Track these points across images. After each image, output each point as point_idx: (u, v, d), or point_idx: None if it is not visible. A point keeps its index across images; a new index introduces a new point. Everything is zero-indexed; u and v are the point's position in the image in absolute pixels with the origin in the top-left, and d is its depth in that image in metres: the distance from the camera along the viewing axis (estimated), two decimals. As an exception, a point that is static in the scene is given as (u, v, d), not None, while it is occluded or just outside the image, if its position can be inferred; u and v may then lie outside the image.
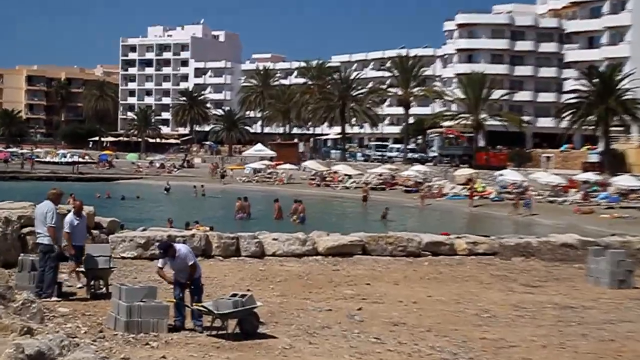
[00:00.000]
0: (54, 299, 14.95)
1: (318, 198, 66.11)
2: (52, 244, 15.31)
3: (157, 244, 18.50)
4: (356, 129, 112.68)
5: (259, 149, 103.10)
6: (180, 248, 13.87)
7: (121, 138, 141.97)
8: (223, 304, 13.13)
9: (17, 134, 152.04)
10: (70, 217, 16.53)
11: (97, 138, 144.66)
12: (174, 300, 13.73)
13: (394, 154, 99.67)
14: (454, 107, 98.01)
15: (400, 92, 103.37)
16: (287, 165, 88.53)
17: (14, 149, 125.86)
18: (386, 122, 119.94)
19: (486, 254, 24.33)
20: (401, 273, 20.90)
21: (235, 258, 22.07)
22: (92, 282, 16.08)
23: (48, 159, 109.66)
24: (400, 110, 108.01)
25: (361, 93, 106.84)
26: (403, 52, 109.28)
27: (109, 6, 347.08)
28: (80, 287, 16.50)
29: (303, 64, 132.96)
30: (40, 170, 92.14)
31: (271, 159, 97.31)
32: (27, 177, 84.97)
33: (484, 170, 73.29)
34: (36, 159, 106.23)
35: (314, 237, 24.09)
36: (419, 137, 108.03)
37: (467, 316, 15.73)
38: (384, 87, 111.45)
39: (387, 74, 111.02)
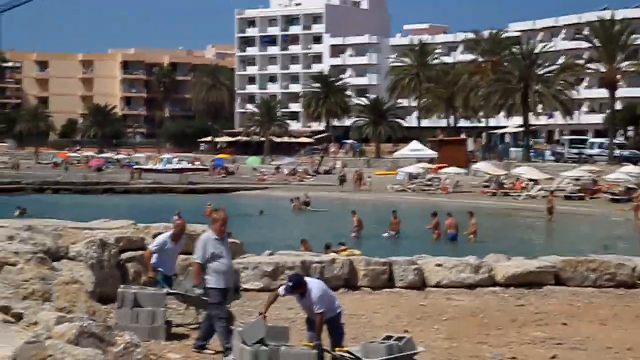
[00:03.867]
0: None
1: (494, 211, 65.01)
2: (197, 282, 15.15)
3: (287, 272, 18.71)
4: (543, 120, 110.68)
5: (415, 148, 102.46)
6: (312, 288, 13.85)
7: (239, 138, 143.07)
8: (374, 350, 13.12)
9: (113, 135, 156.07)
10: (164, 238, 17.10)
11: (209, 138, 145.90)
12: (310, 344, 13.85)
13: (596, 151, 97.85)
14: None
15: (603, 69, 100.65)
16: (453, 169, 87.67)
17: (109, 155, 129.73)
18: (584, 109, 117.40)
19: None
20: (609, 309, 20.30)
21: (388, 290, 22.05)
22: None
23: (150, 165, 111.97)
24: (603, 92, 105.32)
25: (550, 71, 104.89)
26: (606, 14, 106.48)
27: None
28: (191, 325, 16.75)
29: (471, 36, 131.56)
30: (142, 181, 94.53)
31: (431, 160, 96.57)
32: (125, 189, 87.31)
33: None
34: (135, 167, 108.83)
35: (490, 262, 23.73)
36: (630, 128, 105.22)
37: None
38: (581, 62, 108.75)
39: (584, 44, 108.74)
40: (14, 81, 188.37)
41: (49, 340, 10.17)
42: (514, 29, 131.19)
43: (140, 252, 21.38)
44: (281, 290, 14.09)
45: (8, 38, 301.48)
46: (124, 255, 20.94)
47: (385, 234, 45.00)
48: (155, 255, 17.01)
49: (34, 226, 22.24)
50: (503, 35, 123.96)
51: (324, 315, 13.74)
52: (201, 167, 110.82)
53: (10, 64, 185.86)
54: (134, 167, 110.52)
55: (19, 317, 12.18)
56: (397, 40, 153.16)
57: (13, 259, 17.20)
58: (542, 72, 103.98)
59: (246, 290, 21.56)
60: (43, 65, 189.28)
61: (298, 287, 13.64)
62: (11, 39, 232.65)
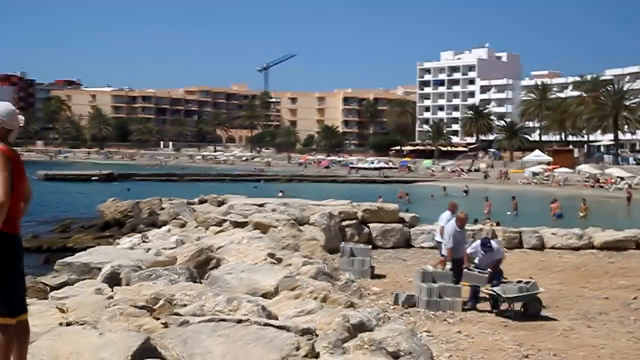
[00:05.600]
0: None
1: (592, 198, 62.77)
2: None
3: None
4: (628, 136, 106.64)
5: (537, 154, 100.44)
6: (494, 244, 14.21)
7: (418, 147, 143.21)
8: (510, 289, 13.00)
9: (336, 144, 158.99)
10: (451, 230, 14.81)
11: (398, 147, 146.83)
12: (468, 284, 13.80)
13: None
14: None
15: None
16: (563, 169, 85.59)
17: (334, 157, 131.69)
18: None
19: None
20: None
21: (518, 250, 21.78)
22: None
23: (360, 165, 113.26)
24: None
25: (634, 103, 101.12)
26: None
27: (406, 37, 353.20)
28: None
29: (578, 79, 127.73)
30: (354, 175, 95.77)
31: (548, 163, 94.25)
32: (344, 180, 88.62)
33: None
34: (350, 165, 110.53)
35: (589, 232, 23.29)
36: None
37: None
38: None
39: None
40: (275, 110, 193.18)
41: (298, 276, 10.50)
42: (609, 73, 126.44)
43: (353, 221, 21.80)
44: (470, 249, 14.16)
45: (273, 82, 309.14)
46: (344, 223, 21.31)
47: (508, 213, 43.88)
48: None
49: (288, 203, 22.91)
50: (601, 78, 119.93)
51: (501, 261, 14.07)
52: (392, 166, 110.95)
53: (273, 99, 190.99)
54: (350, 165, 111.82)
55: (279, 260, 12.56)
56: (526, 82, 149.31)
57: (275, 223, 17.78)
58: (628, 103, 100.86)
59: (422, 247, 21.64)
60: (293, 100, 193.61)
61: (489, 245, 13.83)
62: (274, 83, 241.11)
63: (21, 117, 5.68)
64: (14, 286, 5.38)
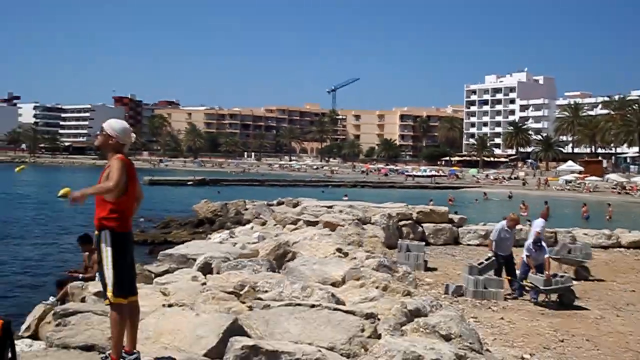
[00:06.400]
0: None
1: (618, 203, 60.83)
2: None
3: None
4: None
5: (569, 165, 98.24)
6: (544, 245, 13.75)
7: (465, 157, 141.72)
8: (547, 282, 12.70)
9: (393, 155, 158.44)
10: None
11: (447, 158, 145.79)
12: (509, 278, 13.57)
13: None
14: None
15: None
16: (593, 177, 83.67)
17: (391, 166, 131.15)
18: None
19: None
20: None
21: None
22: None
23: (413, 173, 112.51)
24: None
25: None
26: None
27: (454, 62, 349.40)
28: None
29: (606, 98, 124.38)
30: (409, 182, 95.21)
31: (580, 172, 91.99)
32: (400, 186, 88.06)
33: None
34: (406, 173, 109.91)
35: (617, 233, 22.58)
36: None
37: None
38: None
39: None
40: (342, 126, 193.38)
41: (362, 268, 10.45)
42: (634, 93, 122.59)
43: (409, 221, 21.61)
44: (527, 251, 13.72)
45: (340, 102, 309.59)
46: (401, 223, 21.15)
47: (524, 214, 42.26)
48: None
49: (353, 205, 22.84)
50: (627, 98, 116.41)
51: (548, 259, 13.58)
52: (442, 174, 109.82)
53: (340, 116, 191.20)
54: (405, 173, 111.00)
55: (346, 254, 12.53)
56: (560, 101, 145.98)
57: (342, 222, 17.74)
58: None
59: (468, 245, 21.31)
60: (357, 117, 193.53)
61: (540, 244, 13.52)
62: (341, 102, 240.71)
63: (133, 135, 5.83)
64: (126, 273, 5.51)
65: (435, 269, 16.31)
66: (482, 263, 13.92)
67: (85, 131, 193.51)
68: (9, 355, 5.73)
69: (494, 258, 13.92)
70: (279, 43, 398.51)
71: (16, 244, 25.12)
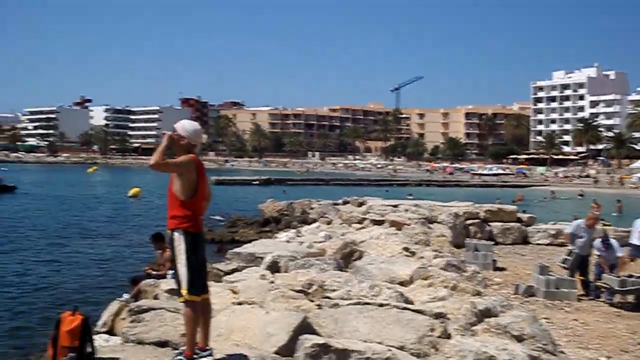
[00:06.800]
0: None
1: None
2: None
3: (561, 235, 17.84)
4: None
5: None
6: (613, 243, 13.31)
7: (532, 155, 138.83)
8: (622, 282, 12.29)
9: (458, 154, 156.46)
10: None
11: (514, 156, 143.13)
12: (582, 278, 13.21)
13: None
14: None
15: None
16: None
17: (456, 165, 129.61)
18: None
19: None
20: None
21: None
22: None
23: (479, 171, 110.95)
24: None
25: None
26: None
27: (520, 59, 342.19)
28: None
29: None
30: (475, 180, 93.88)
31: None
32: (466, 184, 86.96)
33: None
34: (472, 172, 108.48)
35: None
36: None
37: None
38: None
39: None
40: (405, 125, 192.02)
41: (430, 267, 10.36)
42: None
43: (476, 220, 21.28)
44: (596, 249, 13.40)
45: (404, 100, 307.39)
46: (468, 222, 20.86)
47: (613, 214, 41.12)
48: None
49: (419, 204, 22.66)
50: None
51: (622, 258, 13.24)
52: (509, 172, 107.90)
53: (404, 115, 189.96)
54: (471, 172, 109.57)
55: (413, 253, 12.45)
56: (633, 97, 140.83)
57: (408, 222, 17.63)
58: None
59: (538, 244, 20.84)
60: (421, 115, 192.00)
61: (608, 242, 13.17)
62: (405, 101, 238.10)
63: (204, 136, 5.92)
64: (199, 272, 5.61)
65: (504, 269, 16.01)
66: (565, 260, 13.60)
67: (153, 132, 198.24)
68: (89, 349, 5.92)
69: (576, 250, 13.56)
70: (343, 43, 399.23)
71: (91, 242, 25.92)
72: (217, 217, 32.81)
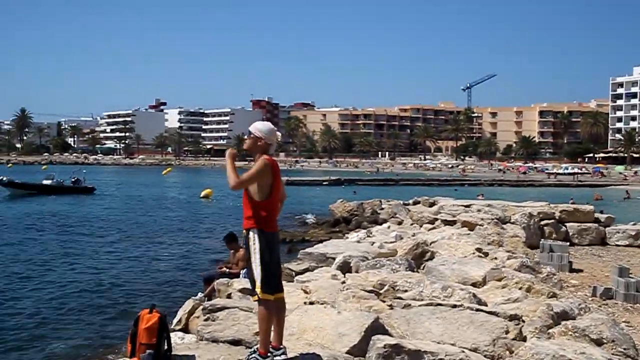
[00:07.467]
0: None
1: None
2: None
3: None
4: None
5: None
6: None
7: (610, 154, 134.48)
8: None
9: (532, 153, 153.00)
10: None
11: (591, 155, 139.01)
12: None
13: None
14: None
15: None
16: None
17: (530, 164, 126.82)
18: None
19: None
20: None
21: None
22: None
23: (555, 170, 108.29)
24: None
25: None
26: None
27: (597, 54, 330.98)
28: None
29: None
30: (550, 179, 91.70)
31: None
32: (540, 184, 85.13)
33: None
34: (547, 171, 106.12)
35: None
36: None
37: None
38: None
39: None
40: (477, 124, 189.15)
41: (504, 268, 10.17)
42: None
43: (551, 220, 20.74)
44: None
45: (476, 99, 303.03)
46: (542, 222, 20.37)
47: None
48: None
49: (491, 204, 22.27)
50: None
51: None
52: (585, 172, 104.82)
53: (475, 114, 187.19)
54: (546, 171, 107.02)
55: (486, 254, 12.25)
56: None
57: (481, 222, 17.36)
58: None
59: (617, 245, 20.17)
60: (494, 114, 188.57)
61: None
62: (477, 100, 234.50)
63: (279, 134, 5.98)
64: (273, 271, 5.68)
65: (580, 271, 15.54)
66: None
67: (225, 134, 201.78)
68: (165, 346, 6.08)
69: None
70: (413, 42, 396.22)
71: (165, 242, 26.60)
72: (310, 216, 33.74)
